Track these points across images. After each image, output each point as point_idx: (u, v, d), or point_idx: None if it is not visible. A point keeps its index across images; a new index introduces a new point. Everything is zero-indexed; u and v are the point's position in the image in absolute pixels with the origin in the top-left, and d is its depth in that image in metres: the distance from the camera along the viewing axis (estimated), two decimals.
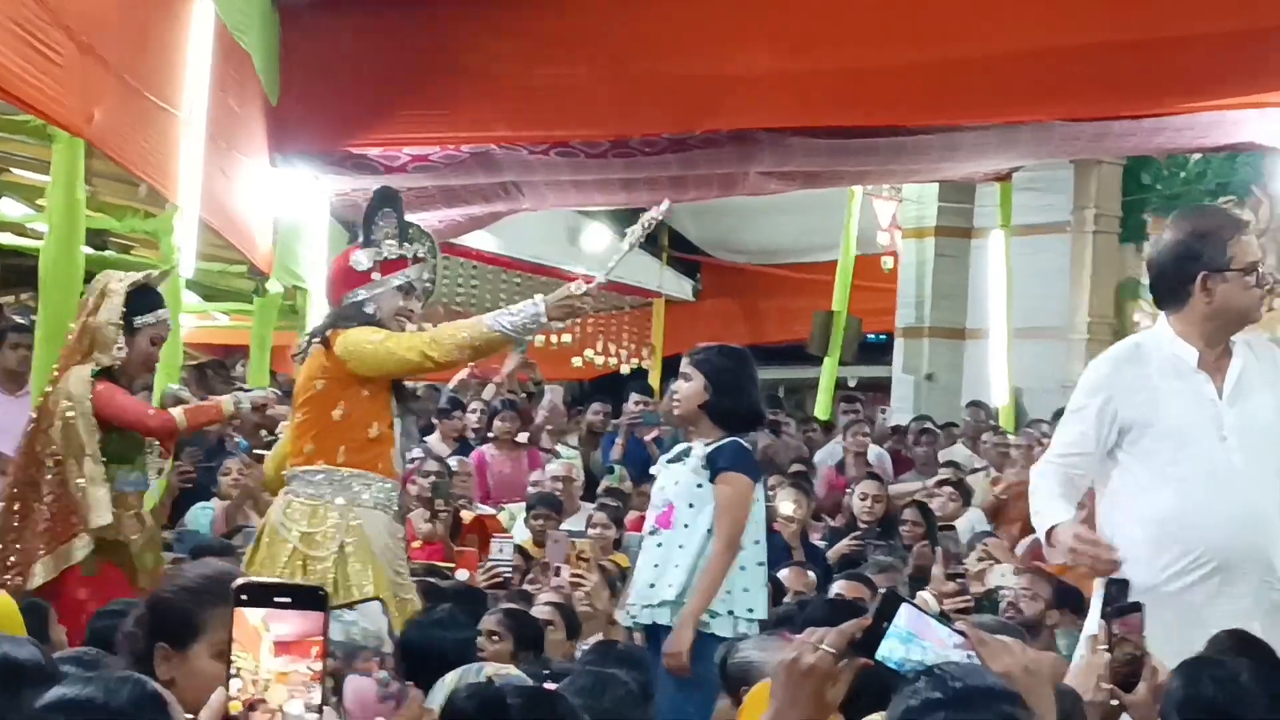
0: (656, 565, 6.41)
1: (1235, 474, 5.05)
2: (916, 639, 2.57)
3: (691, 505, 6.39)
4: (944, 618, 2.66)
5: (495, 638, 6.14)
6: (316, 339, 6.53)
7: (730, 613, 6.30)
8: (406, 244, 6.62)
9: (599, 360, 23.58)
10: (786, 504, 9.75)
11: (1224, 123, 12.72)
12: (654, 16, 11.59)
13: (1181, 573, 5.04)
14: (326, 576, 6.17)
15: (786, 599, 7.65)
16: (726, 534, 6.32)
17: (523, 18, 11.52)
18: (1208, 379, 5.14)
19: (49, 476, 6.70)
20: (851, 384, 19.04)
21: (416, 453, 10.38)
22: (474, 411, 13.11)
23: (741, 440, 6.47)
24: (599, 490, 11.10)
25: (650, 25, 11.59)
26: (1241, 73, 11.35)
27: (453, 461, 10.91)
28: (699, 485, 6.41)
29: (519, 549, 8.85)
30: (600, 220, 22.58)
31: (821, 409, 17.82)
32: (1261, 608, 5.03)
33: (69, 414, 6.68)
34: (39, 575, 6.58)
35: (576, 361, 23.14)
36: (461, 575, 8.21)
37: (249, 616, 2.23)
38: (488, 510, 10.65)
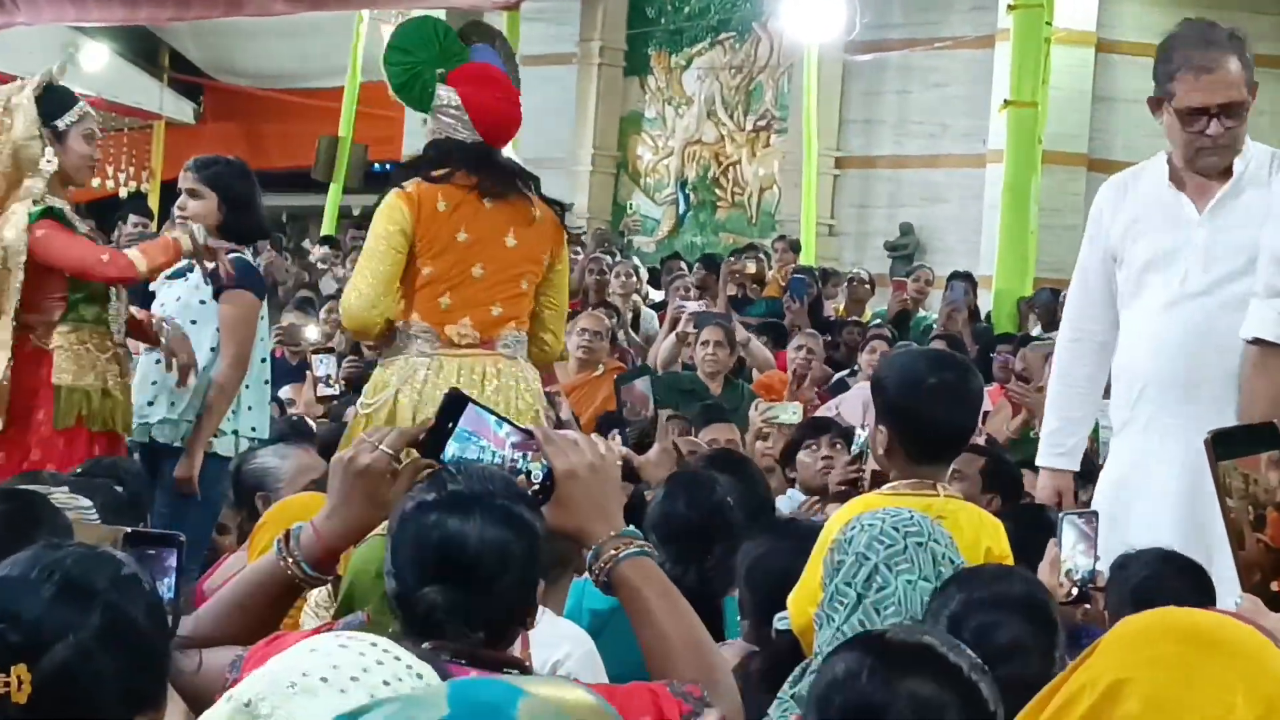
0: (155, 382, 6.26)
1: (1188, 298, 4.61)
2: (475, 438, 2.56)
3: (195, 322, 6.27)
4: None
5: None
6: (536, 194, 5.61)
7: (235, 432, 6.27)
8: None
9: (95, 182, 22.78)
10: (311, 329, 9.73)
11: None
12: None
13: (1123, 408, 4.77)
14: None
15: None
16: (234, 352, 6.23)
17: None
18: (1189, 200, 4.67)
19: None
20: (356, 212, 18.87)
21: None
22: None
23: (245, 256, 6.36)
24: None
25: None
26: None
27: None
28: (201, 302, 6.29)
29: None
30: (99, 38, 21.76)
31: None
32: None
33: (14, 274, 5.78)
34: None
35: None
36: None
37: None
38: None
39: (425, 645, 2.36)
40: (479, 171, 5.46)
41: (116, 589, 2.06)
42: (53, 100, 6.06)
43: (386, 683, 1.85)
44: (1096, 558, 3.98)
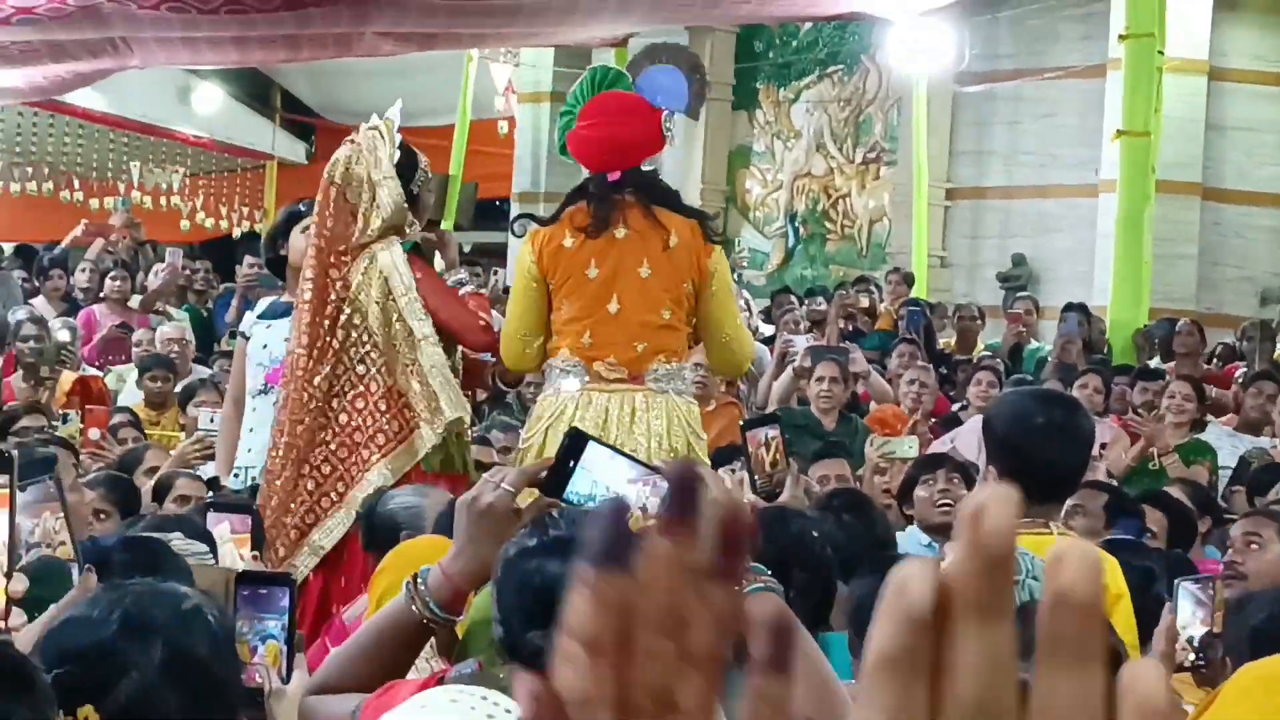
0: (251, 430, 6.18)
1: None
2: (592, 474, 2.56)
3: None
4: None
5: (102, 516, 5.31)
6: (690, 218, 5.58)
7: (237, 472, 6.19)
8: None
9: (209, 223, 23.08)
10: None
11: None
12: None
13: None
14: None
15: None
16: (227, 395, 6.24)
17: None
18: None
19: (361, 371, 5.62)
20: (467, 248, 19.00)
21: (20, 314, 10.06)
22: (83, 270, 12.99)
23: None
24: (215, 350, 11.02)
25: None
26: None
27: (56, 323, 10.55)
28: None
29: (133, 412, 8.63)
30: (211, 80, 22.02)
31: None
32: None
33: (400, 298, 5.57)
34: (372, 484, 5.47)
35: (184, 225, 22.61)
36: (93, 434, 7.84)
37: None
38: (93, 372, 10.35)
39: None
40: (588, 207, 5.49)
41: (178, 623, 2.06)
42: (407, 162, 5.77)
43: None
44: (1213, 623, 3.91)
